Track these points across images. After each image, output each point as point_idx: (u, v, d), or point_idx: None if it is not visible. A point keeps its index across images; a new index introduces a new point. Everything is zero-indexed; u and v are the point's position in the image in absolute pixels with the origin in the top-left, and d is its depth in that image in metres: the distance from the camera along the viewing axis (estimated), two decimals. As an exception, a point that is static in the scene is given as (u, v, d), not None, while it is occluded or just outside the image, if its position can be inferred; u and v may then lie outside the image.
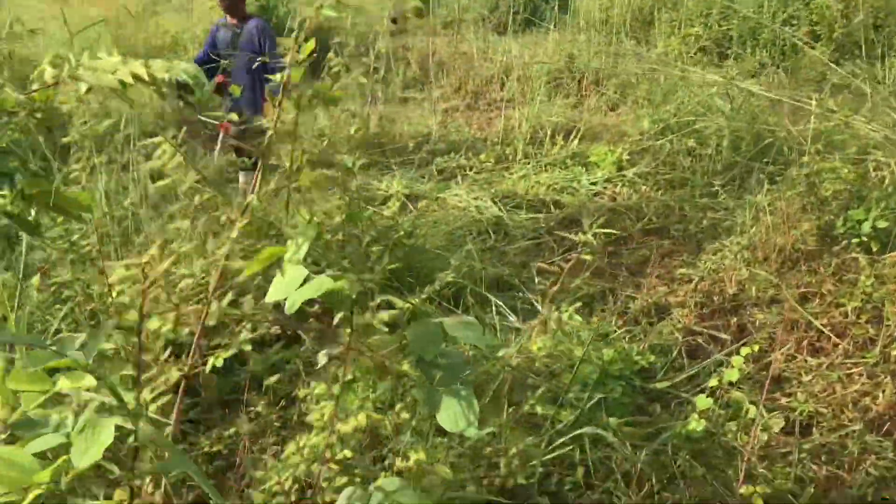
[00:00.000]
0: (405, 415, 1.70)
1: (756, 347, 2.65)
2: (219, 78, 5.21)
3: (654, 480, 2.31)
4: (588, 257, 2.65)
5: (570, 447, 2.30)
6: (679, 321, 3.62)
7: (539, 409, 2.43)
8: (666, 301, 3.85)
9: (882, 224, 3.71)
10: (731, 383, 2.53)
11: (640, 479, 2.33)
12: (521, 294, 3.89)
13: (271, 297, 1.46)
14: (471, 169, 6.08)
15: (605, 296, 3.92)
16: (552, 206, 5.25)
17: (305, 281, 1.43)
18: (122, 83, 1.68)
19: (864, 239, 3.77)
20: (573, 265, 4.25)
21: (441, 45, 12.10)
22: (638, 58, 9.02)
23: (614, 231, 4.49)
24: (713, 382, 2.53)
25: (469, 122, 7.78)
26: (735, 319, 3.54)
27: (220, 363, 1.63)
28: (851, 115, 4.05)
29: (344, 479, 1.54)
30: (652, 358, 2.99)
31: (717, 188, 5.21)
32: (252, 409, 2.37)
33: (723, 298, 3.76)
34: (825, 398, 3.03)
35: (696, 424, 2.41)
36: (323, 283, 1.39)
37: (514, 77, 9.11)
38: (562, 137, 6.52)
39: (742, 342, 3.32)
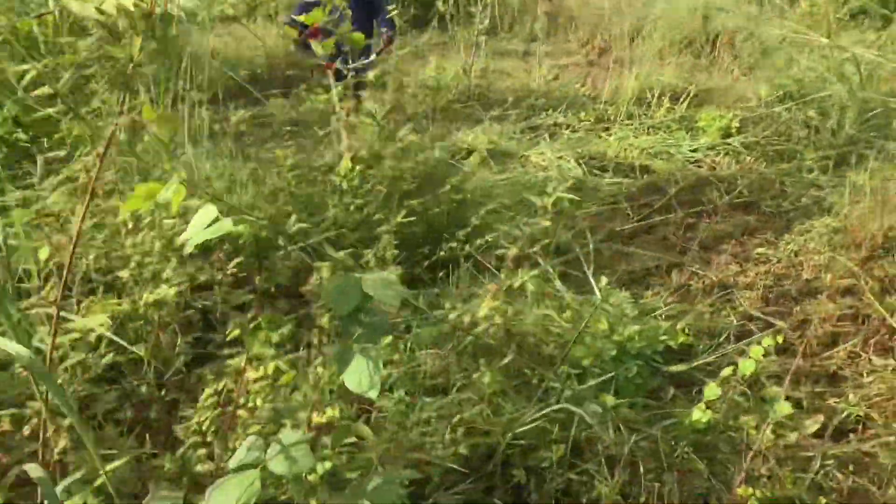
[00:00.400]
0: (321, 369, 1.68)
1: (780, 339, 2.41)
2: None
3: (642, 468, 2.18)
4: (546, 223, 2.46)
5: (553, 422, 2.20)
6: (740, 304, 3.37)
7: (533, 379, 2.34)
8: (734, 281, 3.59)
9: None
10: (747, 375, 2.31)
11: (632, 464, 2.21)
12: (570, 262, 3.74)
13: (185, 236, 1.46)
14: (567, 127, 5.87)
15: (668, 270, 3.70)
16: (640, 172, 4.99)
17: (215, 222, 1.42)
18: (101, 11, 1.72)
19: (972, 231, 3.33)
20: (634, 234, 4.11)
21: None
22: (781, 17, 8.33)
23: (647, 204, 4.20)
24: (726, 372, 2.33)
25: (585, 80, 7.49)
26: (799, 307, 3.24)
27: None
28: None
29: (256, 428, 1.55)
30: (683, 339, 2.80)
31: (828, 163, 4.78)
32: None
33: (795, 284, 3.45)
34: (881, 403, 2.73)
35: (700, 415, 2.24)
36: (222, 226, 1.38)
37: (643, 34, 8.71)
38: (671, 100, 6.17)
39: (797, 332, 3.06)
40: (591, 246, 3.66)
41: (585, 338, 2.64)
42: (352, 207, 3.21)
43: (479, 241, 3.23)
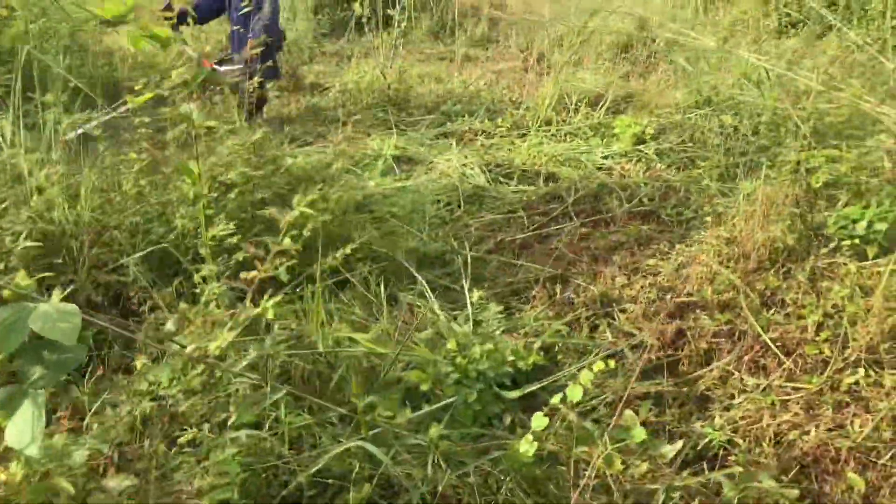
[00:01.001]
0: None
1: (612, 363, 2.22)
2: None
3: (458, 506, 1.98)
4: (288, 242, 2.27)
5: (363, 458, 1.99)
6: (617, 319, 3.19)
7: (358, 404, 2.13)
8: (619, 294, 3.42)
9: (880, 226, 3.13)
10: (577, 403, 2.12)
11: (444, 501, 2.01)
12: (452, 273, 3.55)
13: None
14: (483, 133, 5.70)
15: (552, 283, 3.52)
16: (546, 180, 4.82)
17: None
18: None
19: (858, 242, 3.19)
20: (525, 244, 3.93)
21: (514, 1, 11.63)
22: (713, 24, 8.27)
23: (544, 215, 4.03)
24: (555, 400, 2.14)
25: (513, 85, 7.32)
26: (675, 323, 3.08)
27: None
28: (863, 93, 3.41)
29: None
30: (534, 359, 2.61)
31: (737, 171, 4.64)
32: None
33: (678, 298, 3.29)
34: (746, 427, 2.57)
35: (527, 447, 2.04)
36: None
37: (579, 39, 8.59)
38: (591, 106, 6.03)
39: (669, 350, 2.89)
40: (468, 257, 3.48)
41: (428, 361, 2.45)
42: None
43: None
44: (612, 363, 2.19)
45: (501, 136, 5.64)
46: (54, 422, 2.01)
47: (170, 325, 2.04)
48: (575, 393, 2.03)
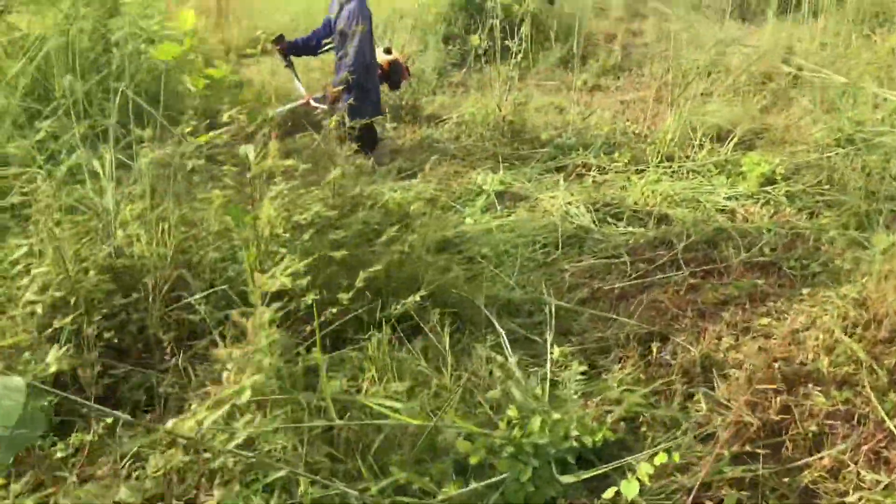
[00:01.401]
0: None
1: (676, 457, 1.90)
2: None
3: None
4: None
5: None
6: (717, 388, 2.84)
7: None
8: (722, 358, 3.06)
9: None
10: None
11: None
12: (538, 324, 3.30)
13: None
14: (596, 168, 5.41)
15: (647, 340, 3.20)
16: (658, 221, 4.47)
17: None
18: None
19: None
20: (624, 294, 3.62)
21: (651, 28, 11.23)
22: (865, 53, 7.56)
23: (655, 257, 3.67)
24: (608, 495, 1.85)
25: (640, 118, 6.96)
26: (782, 398, 2.68)
27: None
28: None
29: None
30: (604, 434, 2.32)
31: (879, 219, 4.12)
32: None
33: (790, 366, 2.89)
34: (858, 532, 2.17)
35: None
36: None
37: (718, 68, 8.13)
38: (720, 142, 5.61)
39: (772, 431, 2.52)
40: (552, 306, 3.23)
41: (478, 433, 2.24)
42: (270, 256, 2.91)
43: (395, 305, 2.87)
44: (675, 457, 1.88)
45: (617, 172, 5.33)
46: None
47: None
48: (630, 489, 1.76)
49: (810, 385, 2.75)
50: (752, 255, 3.91)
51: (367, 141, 5.12)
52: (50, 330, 2.39)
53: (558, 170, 5.45)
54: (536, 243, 4.11)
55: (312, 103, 4.98)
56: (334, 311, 2.81)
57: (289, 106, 5.10)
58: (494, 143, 6.00)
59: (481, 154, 5.73)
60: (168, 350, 2.60)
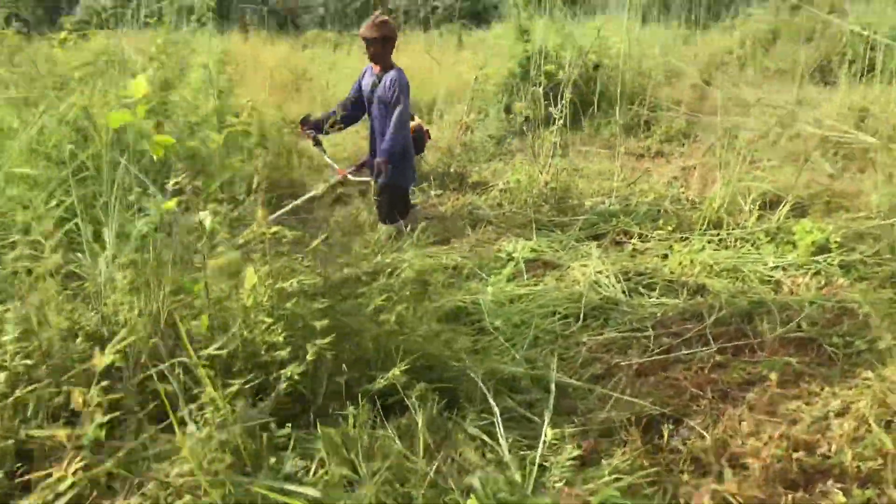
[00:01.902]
0: None
1: None
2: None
3: None
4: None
5: None
6: (727, 480, 2.55)
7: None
8: (739, 445, 2.76)
9: None
10: None
11: None
12: (541, 402, 3.08)
13: None
14: (640, 237, 5.18)
15: (658, 423, 2.94)
16: (695, 292, 4.20)
17: None
18: None
19: None
20: (643, 371, 3.36)
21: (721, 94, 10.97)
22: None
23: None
24: None
25: (695, 185, 6.69)
26: (796, 495, 2.37)
27: None
28: None
29: None
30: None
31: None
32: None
33: (811, 458, 2.57)
34: None
35: None
36: None
37: (787, 132, 7.81)
38: (772, 208, 5.31)
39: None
40: (553, 383, 3.01)
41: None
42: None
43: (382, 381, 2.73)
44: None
45: (659, 240, 5.08)
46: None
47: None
48: None
49: (830, 481, 2.42)
50: (790, 329, 3.59)
51: (402, 208, 5.07)
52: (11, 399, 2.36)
53: (597, 238, 5.24)
54: (557, 314, 3.90)
55: (351, 177, 4.96)
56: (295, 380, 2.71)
57: (322, 187, 5.09)
58: (536, 210, 5.85)
59: (520, 221, 5.59)
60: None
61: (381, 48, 4.85)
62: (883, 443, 2.47)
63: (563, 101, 5.94)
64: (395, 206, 5.07)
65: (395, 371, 2.73)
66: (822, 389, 3.05)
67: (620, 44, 8.61)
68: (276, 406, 2.81)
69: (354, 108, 5.05)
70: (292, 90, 11.86)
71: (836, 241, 4.53)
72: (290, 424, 2.58)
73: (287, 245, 2.94)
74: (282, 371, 2.71)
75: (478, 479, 2.42)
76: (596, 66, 8.04)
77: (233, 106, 7.29)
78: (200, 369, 2.13)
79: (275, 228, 2.86)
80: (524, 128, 7.57)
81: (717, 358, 3.42)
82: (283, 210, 4.59)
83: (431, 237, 5.18)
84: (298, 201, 4.75)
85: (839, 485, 2.40)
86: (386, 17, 4.88)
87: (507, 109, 9.38)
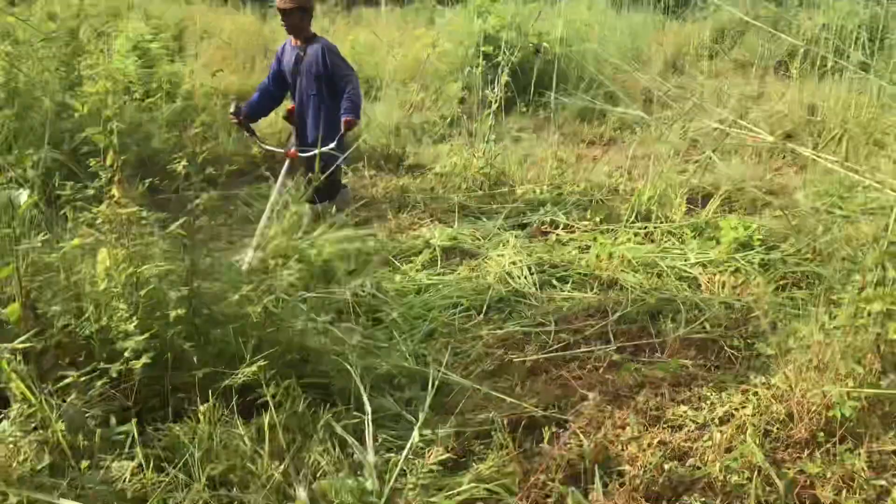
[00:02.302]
0: None
1: None
2: (289, 106, 4.90)
3: None
4: None
5: None
6: (594, 488, 2.42)
7: None
8: (619, 451, 2.63)
9: None
10: None
11: None
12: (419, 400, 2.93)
13: None
14: (564, 227, 5.03)
15: (540, 426, 2.80)
16: (607, 287, 4.07)
17: None
18: None
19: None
20: (536, 369, 3.22)
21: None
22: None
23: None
24: None
25: (639, 176, 6.54)
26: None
27: None
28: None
29: None
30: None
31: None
32: None
33: (688, 470, 2.45)
34: None
35: None
36: None
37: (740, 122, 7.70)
38: (698, 203, 5.20)
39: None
40: (434, 380, 2.86)
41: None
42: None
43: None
44: None
45: (584, 231, 4.94)
46: None
47: None
48: None
49: (695, 495, 2.30)
50: (693, 330, 3.47)
51: (333, 188, 4.85)
52: None
53: (522, 227, 5.09)
54: (460, 307, 3.75)
55: (302, 154, 4.68)
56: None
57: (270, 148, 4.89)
58: (466, 196, 5.69)
59: (448, 207, 5.42)
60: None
61: (299, 19, 4.63)
62: (753, 454, 2.35)
63: (499, 84, 5.75)
64: (332, 184, 4.88)
65: (254, 367, 2.56)
66: (713, 395, 2.93)
67: (563, 28, 8.42)
68: (133, 400, 2.65)
69: (276, 90, 4.85)
70: (248, 63, 11.53)
71: (758, 239, 4.42)
72: (134, 420, 2.41)
73: (148, 227, 2.74)
74: (132, 362, 2.54)
75: (324, 484, 2.27)
76: (537, 50, 7.84)
77: (168, 74, 7.05)
78: (3, 363, 1.94)
79: (132, 209, 2.67)
80: (459, 111, 7.38)
81: (615, 357, 3.29)
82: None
83: (353, 220, 5.00)
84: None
85: (702, 499, 2.28)
86: None
87: (465, 88, 9.17)
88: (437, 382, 2.92)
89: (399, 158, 6.87)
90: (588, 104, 9.28)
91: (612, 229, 4.95)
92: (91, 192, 2.69)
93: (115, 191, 2.65)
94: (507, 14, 8.34)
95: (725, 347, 3.33)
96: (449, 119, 8.33)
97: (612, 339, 3.46)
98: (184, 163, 2.69)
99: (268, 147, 4.93)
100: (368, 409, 2.71)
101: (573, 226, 5.05)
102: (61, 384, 2.31)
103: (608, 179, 6.25)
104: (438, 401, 2.91)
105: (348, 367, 2.90)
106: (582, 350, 3.38)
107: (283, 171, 4.57)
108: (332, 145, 4.51)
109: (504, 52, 6.00)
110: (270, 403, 2.55)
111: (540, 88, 8.07)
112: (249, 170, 5.83)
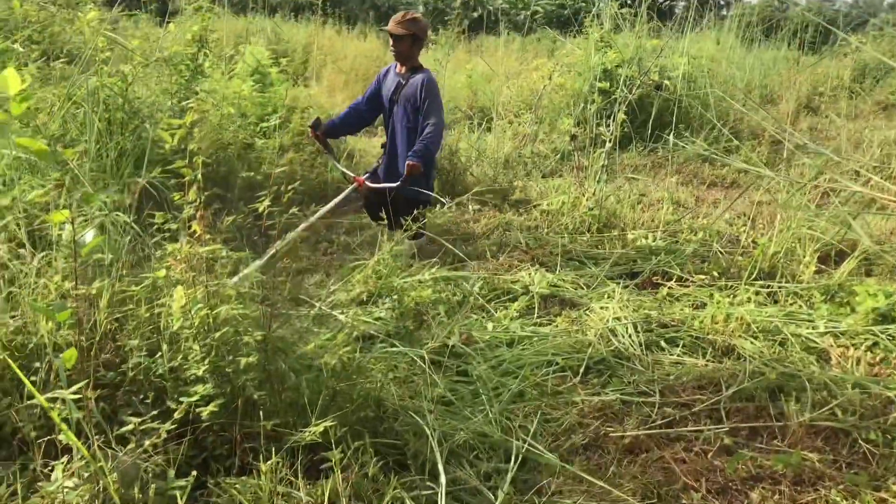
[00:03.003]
0: None
1: None
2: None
3: None
4: None
5: None
6: None
7: None
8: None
9: None
10: None
11: None
12: (500, 475, 2.66)
13: None
14: (676, 280, 4.64)
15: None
16: (723, 354, 3.67)
17: None
18: None
19: None
20: (635, 447, 2.89)
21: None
22: None
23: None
24: None
25: (763, 225, 6.06)
26: None
27: None
28: None
29: None
30: None
31: None
32: None
33: None
34: None
35: None
36: None
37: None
38: (831, 262, 4.69)
39: None
40: (516, 453, 2.58)
41: None
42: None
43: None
44: None
45: (700, 287, 4.53)
46: None
47: None
48: None
49: None
50: (821, 415, 3.03)
51: (420, 223, 4.70)
52: None
53: (631, 276, 4.74)
54: (554, 365, 3.46)
55: (370, 185, 4.62)
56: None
57: (343, 169, 4.85)
58: (572, 238, 5.38)
59: (551, 249, 5.13)
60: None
61: (408, 47, 4.53)
62: None
63: (615, 122, 5.44)
64: (414, 219, 4.74)
65: (322, 424, 2.37)
66: (844, 500, 2.51)
67: (686, 66, 7.97)
68: (199, 449, 2.52)
69: (368, 111, 4.76)
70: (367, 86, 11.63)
71: (904, 308, 3.91)
72: (195, 473, 2.27)
73: (228, 266, 2.62)
74: (200, 410, 2.41)
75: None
76: (658, 87, 7.45)
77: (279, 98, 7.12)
78: (53, 413, 1.82)
79: (211, 247, 2.55)
80: (571, 147, 7.08)
81: (726, 440, 2.91)
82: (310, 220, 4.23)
83: (449, 259, 4.81)
84: (326, 208, 4.40)
85: None
86: (417, 14, 4.54)
87: (577, 123, 8.87)
88: (521, 456, 2.67)
89: (505, 193, 6.64)
90: (706, 152, 8.79)
91: (731, 286, 4.52)
92: (175, 226, 2.59)
93: (196, 226, 2.54)
94: (626, 50, 7.99)
95: (860, 440, 2.89)
96: (560, 154, 8.05)
97: (724, 418, 3.07)
98: (266, 202, 2.54)
99: (341, 168, 4.87)
100: (443, 480, 2.48)
101: (687, 279, 4.65)
102: (120, 431, 2.19)
103: (729, 228, 5.80)
104: (521, 477, 2.64)
105: (426, 429, 2.68)
106: (689, 429, 3.02)
107: (339, 196, 4.47)
108: (395, 185, 4.39)
109: (622, 89, 5.68)
110: (336, 469, 2.35)
111: (659, 127, 7.67)
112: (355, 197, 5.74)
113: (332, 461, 2.33)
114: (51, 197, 2.30)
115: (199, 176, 2.48)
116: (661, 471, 2.76)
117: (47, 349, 2.42)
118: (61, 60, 3.94)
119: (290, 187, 2.62)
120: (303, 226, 3.95)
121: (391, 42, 4.57)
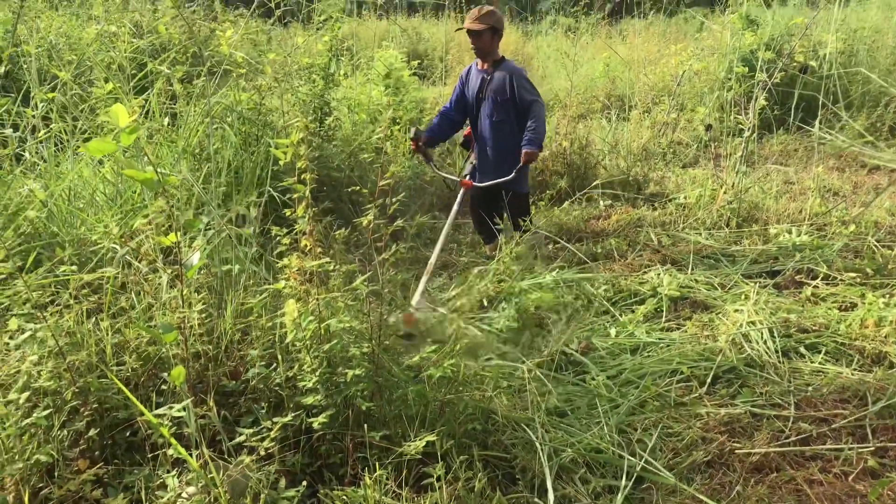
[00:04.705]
0: None
1: None
2: (466, 130, 4.86)
3: None
4: None
5: None
6: None
7: None
8: None
9: None
10: None
11: None
12: (615, 492, 2.55)
13: None
14: (823, 279, 4.29)
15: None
16: (873, 363, 3.36)
17: None
18: None
19: None
20: (762, 466, 2.70)
21: None
22: None
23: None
24: None
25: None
26: None
27: None
28: None
29: None
30: None
31: None
32: None
33: None
34: None
35: None
36: None
37: None
38: None
39: None
40: (632, 470, 2.47)
41: None
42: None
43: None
44: None
45: (850, 285, 4.16)
46: None
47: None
48: None
49: None
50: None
51: (518, 217, 4.66)
52: (27, 421, 2.34)
53: (772, 275, 4.42)
54: (679, 374, 3.29)
55: (478, 184, 4.65)
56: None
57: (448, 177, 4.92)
58: (710, 234, 5.11)
59: (684, 247, 4.89)
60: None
61: (489, 41, 4.50)
62: None
63: (754, 108, 5.09)
64: (524, 213, 4.70)
65: (425, 439, 2.37)
66: None
67: (841, 40, 7.31)
68: (314, 457, 2.60)
69: (457, 115, 4.77)
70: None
71: None
72: (305, 483, 2.34)
73: (337, 280, 2.68)
74: (310, 420, 2.48)
75: None
76: (804, 70, 6.88)
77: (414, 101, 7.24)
78: (163, 429, 1.93)
79: (320, 261, 2.61)
80: (707, 136, 6.70)
81: (871, 462, 2.65)
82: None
83: (575, 258, 4.71)
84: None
85: None
86: (492, 7, 4.51)
87: (719, 109, 8.40)
88: (635, 474, 2.56)
89: (639, 185, 6.41)
90: (857, 142, 8.04)
91: (888, 284, 4.12)
92: (287, 240, 2.68)
93: (305, 241, 2.62)
94: (765, 33, 7.46)
95: None
96: (697, 144, 7.66)
97: (869, 435, 2.80)
98: (370, 216, 2.58)
99: (443, 175, 4.88)
100: (552, 497, 2.42)
101: (836, 277, 4.28)
102: (233, 441, 2.30)
103: (890, 218, 5.29)
104: (636, 496, 2.53)
105: (536, 443, 2.63)
106: (827, 447, 2.77)
107: (457, 202, 4.49)
108: (510, 176, 4.38)
109: (762, 72, 5.31)
110: (442, 483, 2.35)
111: (809, 110, 7.12)
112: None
113: (440, 472, 2.34)
114: (159, 221, 2.45)
115: (308, 193, 2.55)
116: (793, 493, 2.55)
117: (175, 361, 2.58)
118: (202, 79, 4.17)
119: (394, 199, 2.64)
120: (436, 251, 4.04)
121: (470, 40, 4.55)
